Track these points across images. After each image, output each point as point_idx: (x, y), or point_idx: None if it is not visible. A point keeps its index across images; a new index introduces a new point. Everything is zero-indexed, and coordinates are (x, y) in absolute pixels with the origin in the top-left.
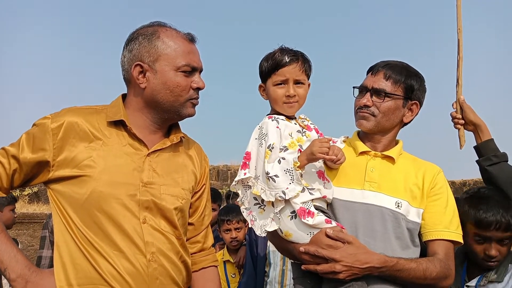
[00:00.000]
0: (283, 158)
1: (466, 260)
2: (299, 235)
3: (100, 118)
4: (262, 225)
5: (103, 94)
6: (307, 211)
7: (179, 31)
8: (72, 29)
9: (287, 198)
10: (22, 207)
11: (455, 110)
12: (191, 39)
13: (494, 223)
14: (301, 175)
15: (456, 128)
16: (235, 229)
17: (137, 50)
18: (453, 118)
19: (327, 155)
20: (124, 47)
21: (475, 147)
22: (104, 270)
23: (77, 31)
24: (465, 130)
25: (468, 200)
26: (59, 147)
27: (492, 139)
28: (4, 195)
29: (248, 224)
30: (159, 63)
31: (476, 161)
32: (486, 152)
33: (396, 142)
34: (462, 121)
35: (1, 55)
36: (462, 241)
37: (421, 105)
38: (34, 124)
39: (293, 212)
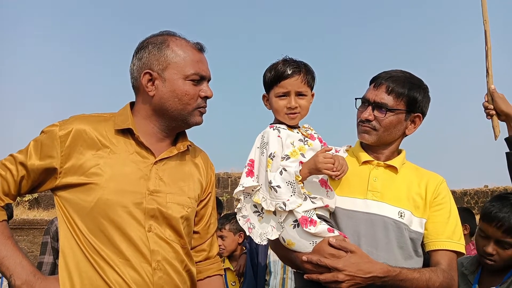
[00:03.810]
0: (285, 169)
1: (480, 270)
2: (301, 244)
3: (108, 126)
4: (262, 233)
5: (108, 103)
6: (309, 219)
7: (188, 40)
8: (75, 36)
9: (287, 209)
10: (22, 213)
11: (486, 100)
12: (200, 48)
13: (497, 220)
14: (303, 184)
15: (487, 119)
16: (219, 236)
17: (147, 59)
18: (485, 108)
19: (332, 170)
20: (133, 55)
21: (506, 139)
22: (110, 278)
23: (82, 39)
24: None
25: (493, 197)
26: (66, 155)
27: None
28: (12, 201)
29: (242, 234)
30: (168, 72)
31: (506, 153)
32: None
33: (399, 152)
34: (493, 111)
35: (6, 61)
36: (464, 251)
37: (424, 116)
38: (42, 131)
39: (296, 221)
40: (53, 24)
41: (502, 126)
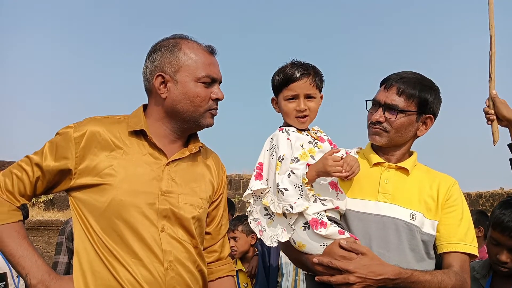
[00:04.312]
0: (293, 172)
1: (492, 273)
2: (312, 246)
3: (121, 128)
4: (272, 235)
5: (108, 103)
6: (319, 222)
7: (200, 43)
8: (75, 36)
9: (293, 212)
10: (38, 214)
11: (488, 105)
12: (211, 51)
13: (510, 230)
14: (312, 186)
15: (488, 124)
16: (232, 238)
17: (159, 61)
18: (486, 113)
19: (342, 172)
20: (146, 58)
21: (509, 146)
22: (122, 277)
23: (82, 40)
24: (499, 126)
25: (502, 203)
26: (81, 156)
27: None
28: (27, 202)
29: (255, 235)
30: (180, 74)
31: (510, 159)
32: None
33: (411, 153)
34: (494, 117)
35: (6, 60)
36: (477, 253)
37: (435, 117)
38: (57, 133)
39: (306, 223)
40: (53, 24)
41: (503, 132)
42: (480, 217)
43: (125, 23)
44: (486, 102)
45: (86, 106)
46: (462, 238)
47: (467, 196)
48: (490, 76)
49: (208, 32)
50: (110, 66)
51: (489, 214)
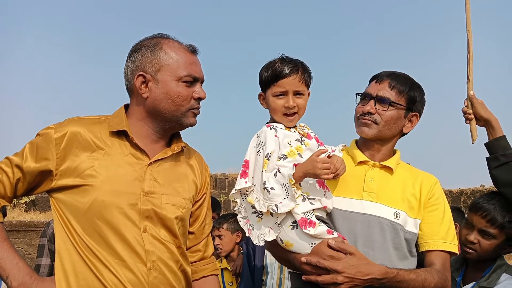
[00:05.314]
0: (279, 171)
1: (464, 267)
2: (300, 245)
3: (103, 128)
4: (259, 234)
5: (107, 105)
6: (308, 221)
7: (181, 42)
8: (75, 38)
9: (278, 212)
10: (19, 215)
11: (466, 105)
12: (192, 50)
13: (483, 210)
14: (296, 188)
15: (466, 123)
16: (217, 236)
17: (140, 61)
18: (464, 113)
19: (330, 174)
20: (127, 58)
21: (485, 144)
22: (106, 278)
23: (82, 41)
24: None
25: (485, 193)
26: (62, 157)
27: (504, 136)
28: (8, 204)
29: (239, 233)
30: (161, 74)
31: (486, 158)
32: (495, 150)
33: (394, 152)
34: (472, 116)
35: (7, 61)
36: (458, 251)
37: (420, 117)
38: (37, 134)
39: (295, 222)
40: (53, 25)
41: (481, 131)
42: (456, 214)
43: (125, 23)
44: (464, 102)
45: (86, 106)
46: (444, 236)
47: (449, 193)
48: (468, 78)
49: (205, 32)
50: (111, 66)
51: None
